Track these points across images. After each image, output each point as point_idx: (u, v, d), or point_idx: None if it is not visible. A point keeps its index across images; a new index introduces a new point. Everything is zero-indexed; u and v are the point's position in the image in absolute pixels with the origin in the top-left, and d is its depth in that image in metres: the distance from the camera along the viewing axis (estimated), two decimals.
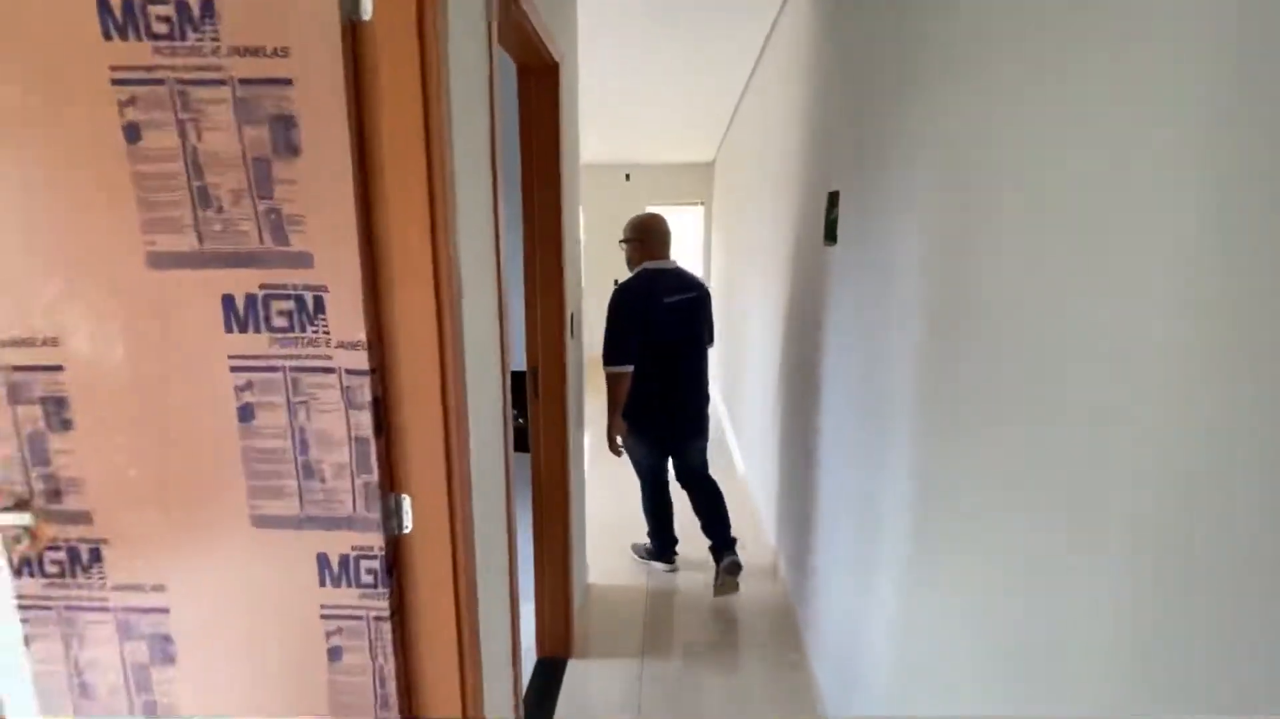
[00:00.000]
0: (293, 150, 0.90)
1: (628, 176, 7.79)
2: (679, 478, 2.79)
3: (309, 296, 0.94)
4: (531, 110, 2.00)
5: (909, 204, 1.33)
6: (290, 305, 0.94)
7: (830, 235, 1.93)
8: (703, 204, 7.98)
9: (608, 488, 3.50)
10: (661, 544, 2.88)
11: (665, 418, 2.65)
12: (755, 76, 4.00)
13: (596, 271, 5.76)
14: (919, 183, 1.29)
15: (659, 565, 2.90)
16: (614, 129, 5.77)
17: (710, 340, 2.76)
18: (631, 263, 2.65)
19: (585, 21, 2.91)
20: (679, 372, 2.63)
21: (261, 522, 1.01)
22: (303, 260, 0.93)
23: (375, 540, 1.01)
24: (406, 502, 1.03)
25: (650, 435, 2.66)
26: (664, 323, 2.53)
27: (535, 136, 2.02)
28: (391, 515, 1.03)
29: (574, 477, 2.41)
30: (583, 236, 3.63)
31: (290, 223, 0.92)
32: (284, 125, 0.89)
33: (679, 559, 2.91)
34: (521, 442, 2.35)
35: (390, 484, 1.03)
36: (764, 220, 3.54)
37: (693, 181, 7.85)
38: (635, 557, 2.97)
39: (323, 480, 1.00)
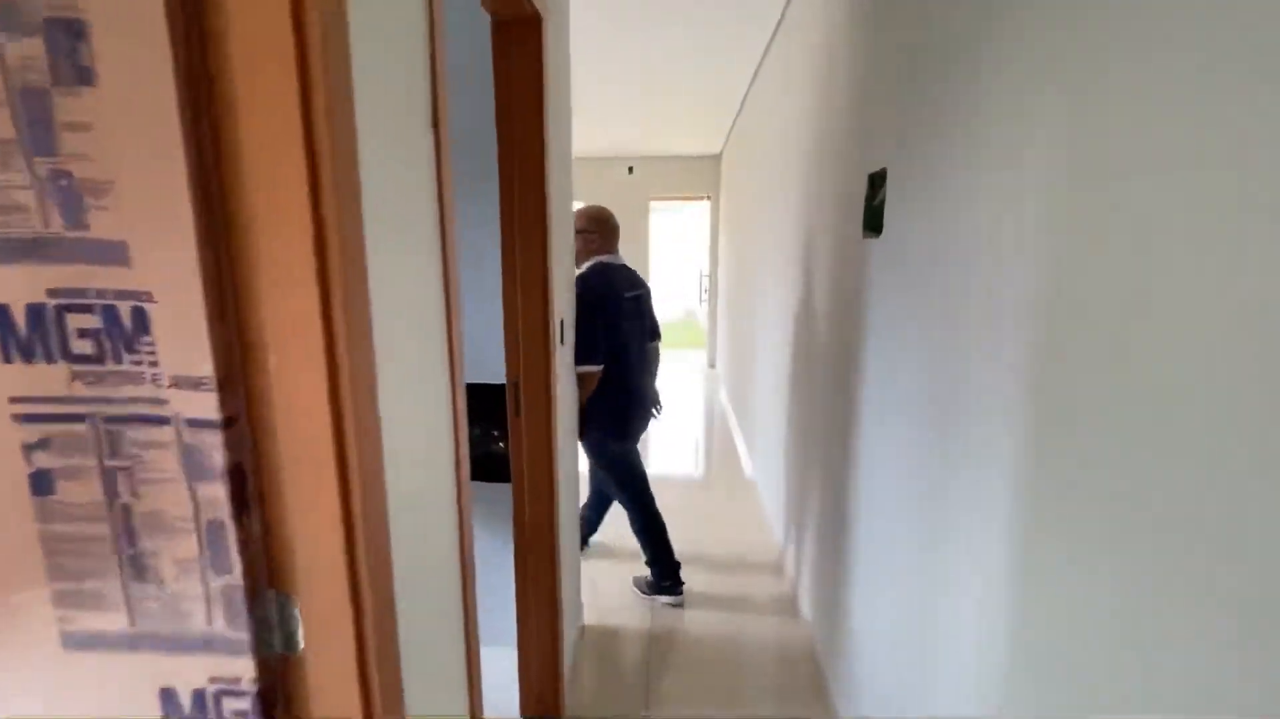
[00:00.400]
0: (83, 76, 0.57)
1: (630, 169, 7.43)
2: None
3: (125, 308, 0.61)
4: (512, 74, 1.67)
5: (1004, 178, 0.99)
6: (97, 322, 0.61)
7: (872, 225, 1.59)
8: (709, 199, 7.63)
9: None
10: (663, 572, 2.57)
11: (638, 415, 2.55)
12: (770, 54, 3.65)
13: None
14: (1015, 151, 0.95)
15: (663, 599, 2.57)
16: (615, 119, 5.43)
17: (656, 336, 2.71)
18: (581, 256, 2.45)
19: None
20: (643, 367, 2.55)
21: (76, 641, 0.68)
22: (112, 253, 0.60)
23: (243, 668, 0.68)
24: (295, 607, 0.70)
25: (633, 438, 2.55)
26: (625, 318, 2.41)
27: (515, 108, 1.68)
28: (271, 629, 0.70)
29: (564, 504, 2.08)
30: None
31: (90, 193, 0.59)
32: (66, 36, 0.56)
33: (685, 591, 2.58)
34: (503, 468, 2.03)
35: (270, 580, 0.70)
36: (779, 214, 3.20)
37: (699, 175, 7.49)
38: (636, 591, 2.64)
39: (160, 582, 0.67)
